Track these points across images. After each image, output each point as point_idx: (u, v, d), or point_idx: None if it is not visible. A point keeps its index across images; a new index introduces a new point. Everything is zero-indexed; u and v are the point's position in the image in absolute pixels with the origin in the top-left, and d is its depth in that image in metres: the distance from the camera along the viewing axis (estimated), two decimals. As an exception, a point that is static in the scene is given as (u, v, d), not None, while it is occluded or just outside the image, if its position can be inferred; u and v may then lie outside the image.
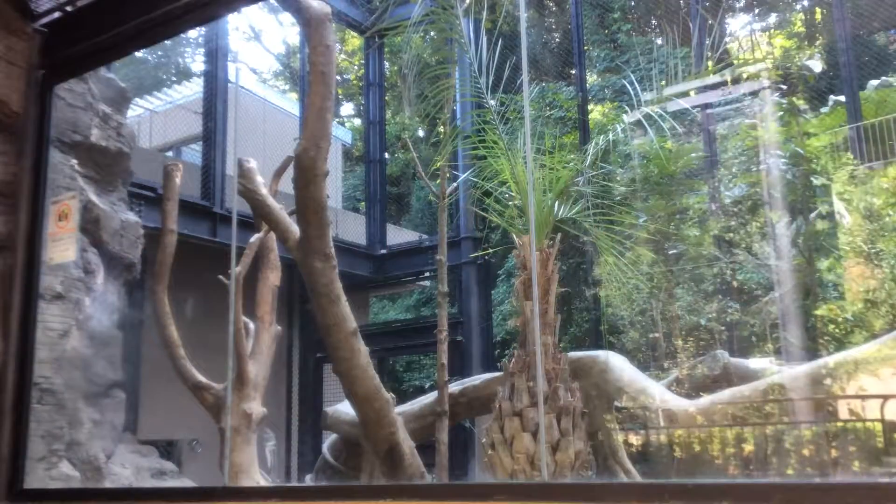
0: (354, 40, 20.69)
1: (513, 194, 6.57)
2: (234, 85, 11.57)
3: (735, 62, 11.80)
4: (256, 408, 5.98)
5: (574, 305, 13.12)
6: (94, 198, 6.18)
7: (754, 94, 10.76)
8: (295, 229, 5.15)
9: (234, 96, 11.55)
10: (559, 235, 6.13)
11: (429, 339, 7.95)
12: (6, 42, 3.58)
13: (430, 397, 7.91)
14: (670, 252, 10.69)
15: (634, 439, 7.76)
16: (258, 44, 26.24)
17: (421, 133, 21.07)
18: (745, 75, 10.81)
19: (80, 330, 5.80)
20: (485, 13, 7.09)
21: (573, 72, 13.23)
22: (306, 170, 4.75)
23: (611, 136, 6.82)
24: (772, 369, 7.98)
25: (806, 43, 15.09)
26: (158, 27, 3.47)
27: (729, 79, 10.41)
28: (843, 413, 6.80)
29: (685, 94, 8.02)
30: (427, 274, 13.84)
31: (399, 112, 20.97)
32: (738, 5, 16.92)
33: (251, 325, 6.34)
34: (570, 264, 12.62)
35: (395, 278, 13.87)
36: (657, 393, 7.29)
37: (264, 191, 5.57)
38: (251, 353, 6.17)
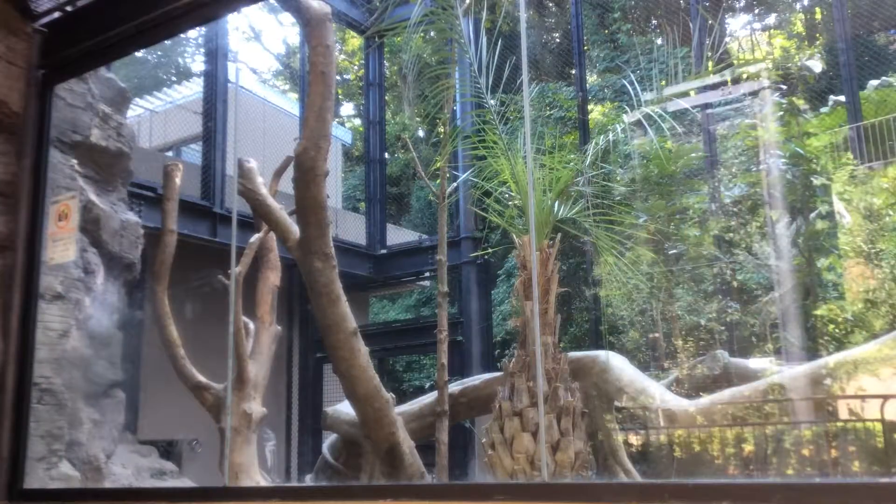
0: (354, 40, 20.69)
1: (513, 194, 6.57)
2: (234, 85, 11.57)
3: (735, 62, 11.79)
4: (256, 408, 5.98)
5: (574, 305, 13.11)
6: (94, 198, 6.18)
7: (754, 94, 10.76)
8: (295, 229, 5.15)
9: (234, 96, 11.55)
10: (559, 235, 6.13)
11: (429, 339, 7.95)
12: (6, 42, 3.58)
13: (430, 397, 7.91)
14: (670, 252, 10.69)
15: (634, 439, 7.76)
16: (258, 44, 26.23)
17: (421, 133, 21.06)
18: (745, 75, 10.80)
19: (80, 330, 5.80)
20: (485, 13, 7.09)
21: (573, 72, 13.23)
22: (306, 170, 4.75)
23: (611, 136, 6.82)
24: (772, 369, 7.98)
25: (806, 43, 15.09)
26: (158, 27, 3.47)
27: (729, 79, 10.40)
28: (843, 413, 6.80)
29: (685, 94, 8.01)
30: (427, 274, 13.84)
31: (399, 112, 20.97)
32: (738, 5, 16.91)
33: (251, 325, 6.34)
34: (570, 264, 12.62)
35: (395, 278, 13.87)
36: (657, 393, 7.29)
37: (264, 191, 5.58)
38: (251, 353, 6.17)
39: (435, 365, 8.01)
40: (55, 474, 5.32)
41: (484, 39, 6.52)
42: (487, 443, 5.90)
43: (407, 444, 5.38)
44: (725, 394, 7.46)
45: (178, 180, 6.51)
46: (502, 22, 7.66)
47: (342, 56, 21.77)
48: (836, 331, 9.22)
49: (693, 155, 10.98)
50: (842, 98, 10.74)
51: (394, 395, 5.48)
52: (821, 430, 6.78)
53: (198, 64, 19.67)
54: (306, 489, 4.25)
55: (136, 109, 14.25)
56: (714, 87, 10.41)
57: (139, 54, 16.72)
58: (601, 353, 7.61)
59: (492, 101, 6.45)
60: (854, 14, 12.10)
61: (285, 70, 24.94)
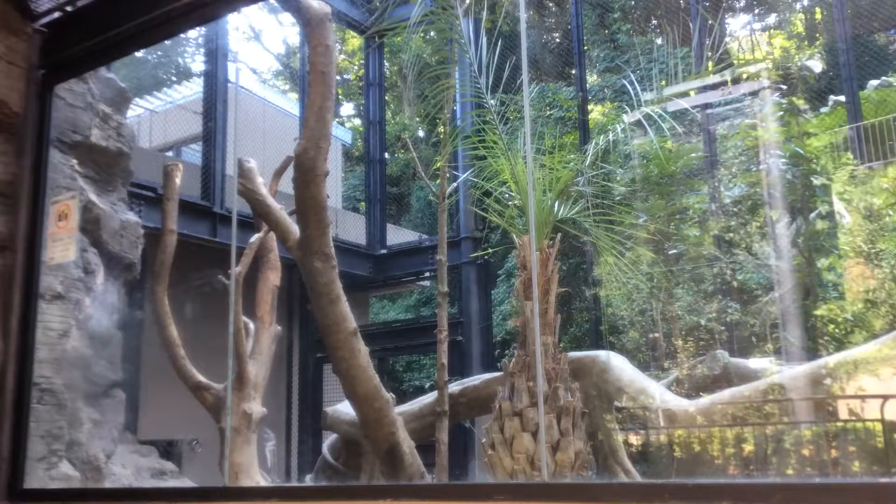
0: (354, 40, 20.69)
1: (513, 194, 6.57)
2: (234, 85, 11.57)
3: (735, 62, 11.79)
4: (256, 408, 5.98)
5: (574, 305, 13.11)
6: (94, 198, 6.18)
7: (754, 94, 10.76)
8: (295, 229, 5.15)
9: (234, 96, 11.54)
10: (559, 235, 6.13)
11: (429, 339, 7.95)
12: (6, 42, 3.58)
13: (430, 397, 7.91)
14: (670, 252, 10.69)
15: (634, 439, 7.76)
16: (258, 44, 26.24)
17: (421, 133, 21.07)
18: (745, 75, 10.80)
19: (80, 330, 5.79)
20: (485, 13, 7.09)
21: (573, 72, 13.23)
22: (306, 170, 4.75)
23: (611, 136, 6.83)
24: (772, 369, 7.98)
25: (806, 43, 15.09)
26: (158, 27, 3.47)
27: (729, 79, 10.40)
28: (843, 413, 6.80)
29: (685, 94, 8.01)
30: (427, 274, 13.84)
31: (399, 112, 20.96)
32: (738, 5, 16.92)
33: (251, 325, 6.34)
34: (570, 264, 12.62)
35: (395, 278, 13.87)
36: (657, 393, 7.29)
37: (264, 191, 5.58)
38: (251, 353, 6.17)
39: (435, 365, 8.01)
40: (55, 474, 5.32)
41: (484, 39, 6.52)
42: (487, 443, 5.90)
43: (407, 444, 5.38)
44: (725, 394, 7.46)
45: (178, 180, 6.51)
46: (502, 22, 7.66)
47: (342, 56, 21.77)
48: (836, 331, 9.22)
49: (693, 155, 10.98)
50: (842, 98, 10.74)
51: (394, 395, 5.48)
52: (821, 430, 6.78)
53: (198, 64, 19.67)
54: (306, 489, 4.25)
55: (136, 109, 14.25)
56: (714, 87, 10.41)
57: (139, 54, 16.71)
58: (601, 353, 7.61)
59: (492, 101, 6.46)
60: (854, 14, 12.09)
61: (285, 70, 24.94)
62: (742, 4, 16.95)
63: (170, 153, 14.67)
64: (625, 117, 7.04)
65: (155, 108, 15.33)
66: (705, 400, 7.52)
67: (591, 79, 15.95)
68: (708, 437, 7.23)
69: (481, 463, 6.85)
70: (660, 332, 10.74)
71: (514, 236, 6.38)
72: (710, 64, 7.65)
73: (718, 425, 7.14)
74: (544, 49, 17.80)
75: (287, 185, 5.52)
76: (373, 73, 14.12)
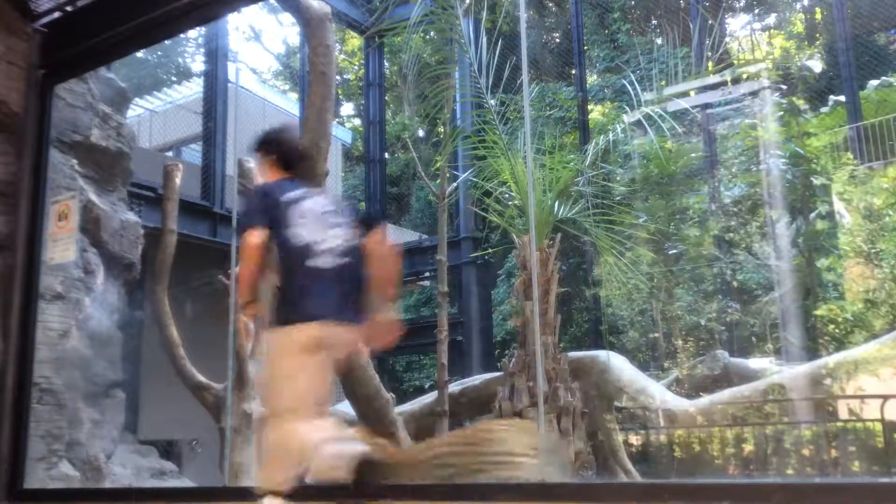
0: (354, 40, 20.68)
1: (513, 194, 6.57)
2: (234, 85, 11.57)
3: (735, 62, 11.80)
4: (256, 408, 5.98)
5: (574, 305, 13.11)
6: (94, 198, 6.18)
7: (754, 94, 10.75)
8: (295, 229, 5.15)
9: (234, 96, 11.54)
10: (559, 235, 6.13)
11: (429, 339, 7.95)
12: (6, 42, 3.58)
13: (430, 397, 7.91)
14: (670, 252, 10.69)
15: (634, 439, 7.76)
16: (258, 44, 26.25)
17: (421, 133, 21.06)
18: (745, 75, 10.80)
19: (80, 330, 5.79)
20: (485, 13, 7.09)
21: (573, 72, 13.23)
22: (306, 170, 4.74)
23: (611, 136, 6.82)
24: (772, 369, 7.98)
25: (806, 43, 15.09)
26: (158, 27, 3.47)
27: (729, 79, 10.40)
28: (843, 413, 6.80)
29: (685, 94, 8.01)
30: (427, 274, 13.84)
31: (399, 112, 20.96)
32: (738, 5, 16.92)
33: (251, 326, 6.33)
34: (570, 264, 12.61)
35: (395, 278, 13.85)
36: (657, 393, 7.29)
37: (264, 191, 5.57)
38: (251, 353, 6.17)
39: (435, 365, 8.01)
40: (55, 474, 5.32)
41: (484, 39, 6.52)
42: (487, 443, 5.89)
43: (407, 444, 5.38)
44: (725, 394, 7.46)
45: (178, 180, 6.51)
46: (502, 22, 7.67)
47: (342, 56, 21.75)
48: (836, 331, 9.22)
49: (693, 155, 10.98)
50: (842, 98, 10.73)
51: (394, 395, 5.49)
52: (821, 430, 6.78)
53: (198, 64, 19.67)
54: (306, 489, 4.24)
55: (136, 109, 14.24)
56: (714, 87, 10.41)
57: (139, 54, 16.70)
58: (601, 353, 7.61)
59: (492, 101, 6.45)
60: (854, 14, 12.09)
61: (285, 70, 24.93)
62: (742, 4, 16.95)
63: (170, 153, 14.66)
64: (625, 117, 7.03)
65: (155, 108, 15.33)
66: (705, 400, 7.52)
67: (591, 79, 15.95)
68: (708, 437, 7.23)
69: (481, 463, 6.84)
70: (660, 332, 10.74)
71: (514, 236, 6.38)
72: (710, 64, 7.65)
73: (718, 425, 7.15)
74: (544, 49, 17.80)
75: (287, 185, 5.51)
76: (373, 73, 14.12)
